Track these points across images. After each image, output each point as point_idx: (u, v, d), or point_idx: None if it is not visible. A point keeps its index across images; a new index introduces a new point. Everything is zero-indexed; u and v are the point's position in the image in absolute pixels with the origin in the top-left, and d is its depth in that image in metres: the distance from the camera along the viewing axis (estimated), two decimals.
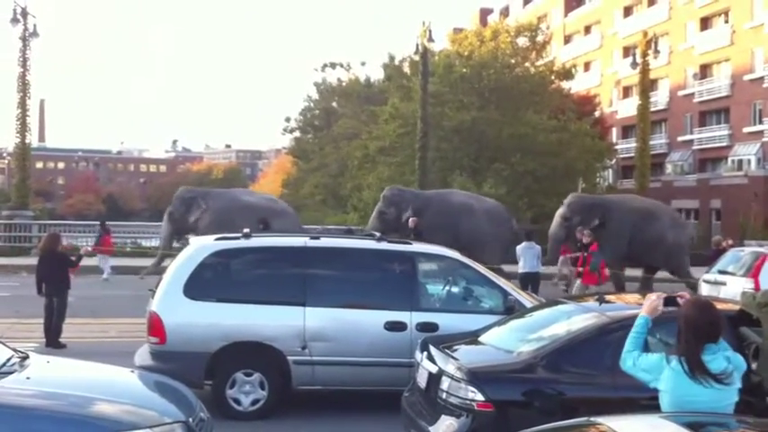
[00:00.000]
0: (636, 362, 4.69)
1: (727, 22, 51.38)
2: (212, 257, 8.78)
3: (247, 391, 8.40)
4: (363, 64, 50.18)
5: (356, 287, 9.02)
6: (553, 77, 41.90)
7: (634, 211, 20.80)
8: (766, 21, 46.87)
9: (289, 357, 8.40)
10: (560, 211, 21.19)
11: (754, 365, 6.16)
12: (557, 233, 20.79)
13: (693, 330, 4.51)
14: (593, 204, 20.96)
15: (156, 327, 8.38)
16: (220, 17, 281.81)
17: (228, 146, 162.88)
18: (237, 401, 8.38)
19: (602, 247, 17.55)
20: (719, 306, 6.61)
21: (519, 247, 17.27)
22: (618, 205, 21.12)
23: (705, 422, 4.01)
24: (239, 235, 9.07)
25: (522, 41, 41.56)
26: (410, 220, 20.33)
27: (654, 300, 4.98)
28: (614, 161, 49.30)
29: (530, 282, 16.38)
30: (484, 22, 66.76)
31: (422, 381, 6.58)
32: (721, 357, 4.47)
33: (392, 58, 43.01)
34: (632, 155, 41.68)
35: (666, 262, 20.49)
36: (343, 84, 49.67)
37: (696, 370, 4.39)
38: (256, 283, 8.88)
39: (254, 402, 8.41)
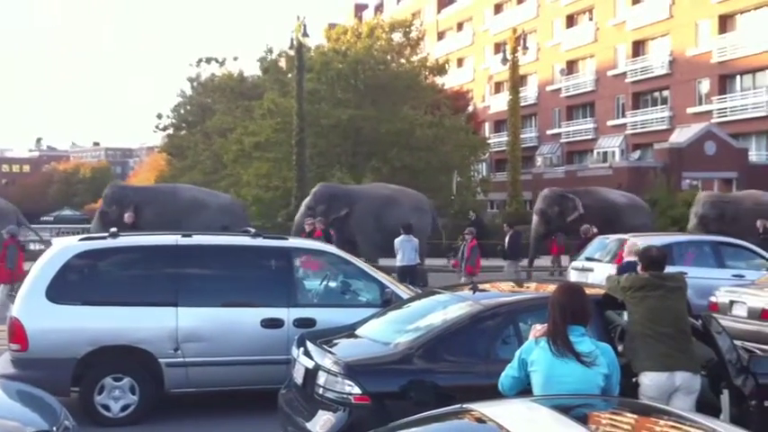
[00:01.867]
0: (511, 365, 4.77)
1: (591, 19, 53.57)
2: (77, 259, 8.39)
3: (117, 396, 8.08)
4: (236, 59, 49.53)
5: (231, 285, 8.81)
6: (427, 73, 42.49)
7: (377, 199, 21.17)
8: (628, 18, 49.13)
9: (160, 360, 8.13)
10: (306, 201, 21.35)
11: (620, 347, 6.39)
12: (299, 222, 20.51)
13: (561, 310, 4.65)
14: (339, 194, 21.26)
15: (17, 333, 7.94)
16: (87, 9, 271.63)
17: (97, 144, 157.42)
18: (107, 408, 8.05)
19: (355, 237, 17.94)
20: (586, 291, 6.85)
21: (397, 240, 17.35)
22: (363, 194, 21.48)
23: (573, 403, 4.10)
24: (105, 235, 8.71)
25: (397, 38, 41.94)
26: (126, 215, 19.44)
27: (539, 330, 4.86)
28: (488, 155, 50.54)
29: (408, 274, 16.50)
30: (359, 17, 67.06)
31: (298, 377, 6.51)
32: (588, 341, 4.61)
33: (269, 52, 42.50)
34: (504, 148, 42.83)
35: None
36: (217, 79, 48.77)
37: (563, 347, 4.51)
38: (125, 284, 8.55)
39: (125, 408, 8.09)
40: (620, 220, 21.67)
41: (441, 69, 44.55)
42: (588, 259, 15.33)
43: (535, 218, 22.51)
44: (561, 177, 44.56)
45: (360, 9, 76.88)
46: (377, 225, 19.56)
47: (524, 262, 21.80)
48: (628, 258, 10.70)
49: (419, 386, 5.91)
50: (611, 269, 12.92)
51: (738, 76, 43.11)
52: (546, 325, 4.85)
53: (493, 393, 4.88)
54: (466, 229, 18.92)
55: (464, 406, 4.00)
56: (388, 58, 40.16)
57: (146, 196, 21.06)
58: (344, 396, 5.79)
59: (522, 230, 22.02)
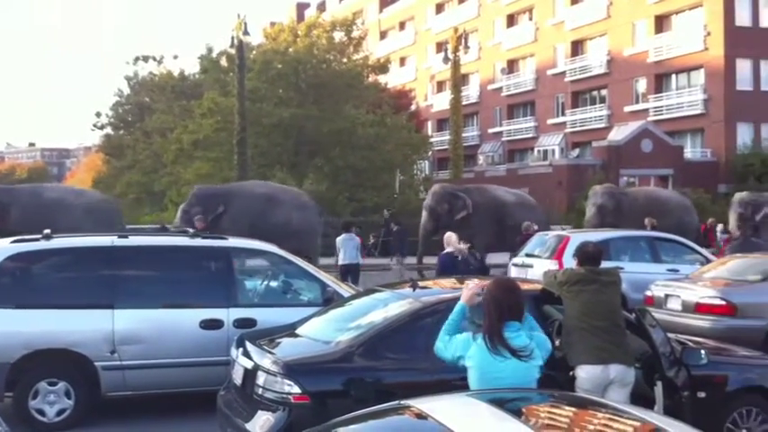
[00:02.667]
0: (446, 345, 4.82)
1: (531, 19, 54.27)
2: (9, 261, 8.19)
3: (52, 401, 7.90)
4: (176, 57, 48.97)
5: (169, 286, 8.69)
6: (369, 72, 42.51)
7: (256, 198, 21.01)
8: (567, 18, 49.90)
9: (97, 363, 7.98)
10: (183, 205, 21.03)
11: (557, 342, 6.48)
12: (179, 225, 19.98)
13: (496, 308, 4.70)
14: (215, 193, 21.10)
15: None
16: (21, 5, 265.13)
17: (32, 144, 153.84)
18: (41, 412, 7.87)
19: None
20: (525, 287, 6.96)
21: (339, 239, 17.37)
22: (239, 193, 21.32)
23: (509, 397, 4.15)
24: (39, 236, 8.51)
25: (339, 36, 41.86)
26: None
27: (472, 288, 5.14)
28: (430, 153, 50.81)
29: (350, 273, 16.52)
30: (301, 16, 66.84)
31: (237, 378, 6.45)
32: (524, 335, 4.67)
33: (210, 50, 42.02)
34: (447, 147, 43.09)
35: (297, 246, 20.57)
36: (156, 77, 48.05)
37: (498, 344, 4.56)
38: (60, 286, 8.36)
39: (60, 413, 7.92)
40: (509, 217, 21.75)
41: (383, 68, 44.63)
42: (528, 255, 15.51)
43: (424, 214, 22.31)
44: (503, 175, 45.05)
45: (302, 8, 76.55)
46: (255, 223, 18.97)
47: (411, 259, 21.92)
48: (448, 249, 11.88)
49: (360, 384, 5.92)
50: (551, 265, 13.14)
51: (674, 75, 44.15)
52: (474, 286, 5.09)
53: (434, 389, 4.92)
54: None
55: (402, 402, 4.02)
56: (330, 56, 40.03)
57: (10, 197, 19.97)
58: (284, 396, 5.77)
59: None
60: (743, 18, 40.84)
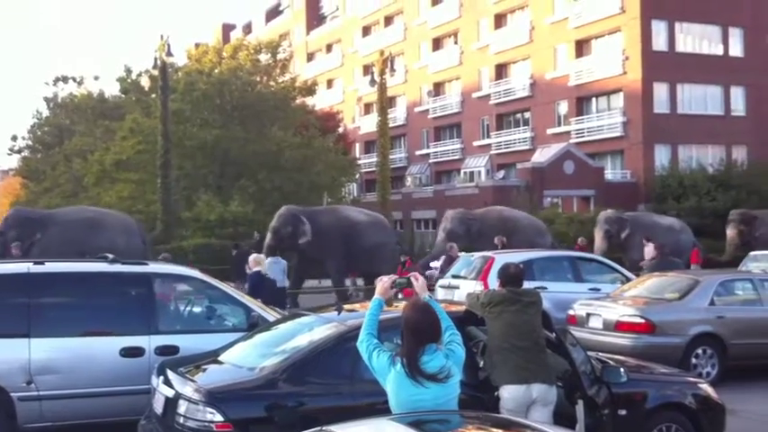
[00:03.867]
0: (371, 355, 4.78)
1: (456, 43, 55.08)
2: None
3: None
4: (97, 78, 47.77)
5: (88, 313, 8.44)
6: (296, 94, 42.45)
7: (77, 222, 20.94)
8: (491, 42, 50.81)
9: (12, 394, 7.69)
10: None
11: (481, 363, 6.54)
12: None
13: (413, 331, 4.67)
14: (31, 219, 20.98)
15: None
16: None
17: None
18: None
19: None
20: (449, 308, 7.00)
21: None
22: (59, 218, 21.22)
23: (430, 420, 4.15)
24: None
25: (265, 58, 41.72)
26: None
27: (385, 282, 5.15)
28: (358, 175, 50.92)
29: (276, 297, 16.33)
30: (227, 37, 66.49)
31: (158, 407, 6.31)
32: (441, 355, 4.65)
33: (129, 72, 41.29)
34: (374, 169, 43.26)
35: None
36: (77, 98, 47.00)
37: (414, 372, 4.53)
38: None
39: None
40: (361, 237, 22.01)
41: (310, 90, 44.63)
42: (454, 277, 15.63)
43: (269, 235, 22.16)
44: (430, 197, 45.41)
45: (228, 29, 76.17)
46: (77, 249, 18.46)
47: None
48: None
49: (284, 410, 5.85)
50: (476, 286, 13.27)
51: (594, 99, 45.31)
52: (387, 279, 5.16)
53: (359, 413, 4.89)
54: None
55: (324, 428, 3.99)
56: (255, 78, 39.83)
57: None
58: (206, 424, 5.67)
59: None
60: (659, 43, 42.23)
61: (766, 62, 43.45)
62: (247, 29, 73.43)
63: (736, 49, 43.62)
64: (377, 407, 5.11)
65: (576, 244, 24.79)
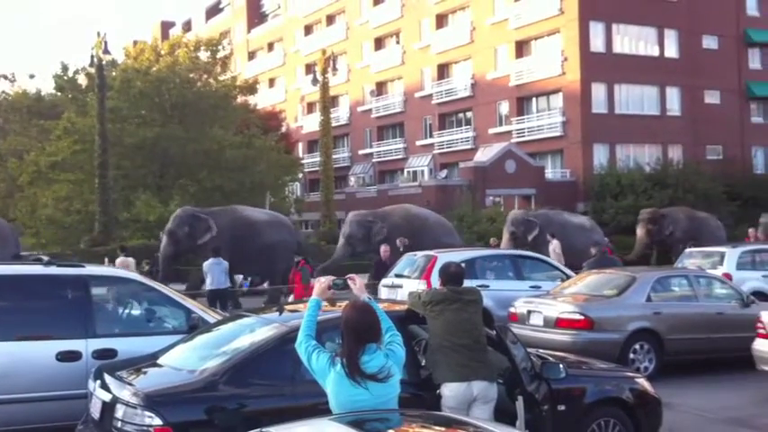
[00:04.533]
0: (310, 357, 4.76)
1: (398, 43, 55.26)
2: None
3: None
4: (32, 77, 46.76)
5: (23, 317, 8.21)
6: (237, 93, 42.05)
7: None
8: (433, 42, 51.11)
9: None
10: None
11: (423, 361, 6.57)
12: None
13: (354, 332, 4.66)
14: None
15: None
16: None
17: None
18: None
19: None
20: (392, 307, 7.01)
21: (206, 264, 17.01)
22: None
23: (370, 419, 4.15)
24: None
25: (205, 56, 41.22)
26: None
27: (323, 282, 5.13)
28: (301, 175, 50.72)
29: (218, 298, 16.20)
30: (166, 35, 65.57)
31: (95, 411, 6.19)
32: (381, 355, 4.65)
33: (65, 69, 40.40)
34: (318, 168, 43.16)
35: None
36: (10, 97, 45.81)
37: (355, 373, 4.52)
38: None
39: None
40: (260, 237, 21.56)
41: (251, 89, 44.27)
42: (397, 276, 15.67)
43: (165, 239, 21.54)
44: (374, 196, 45.46)
45: (167, 27, 75.15)
46: None
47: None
48: None
49: (224, 413, 5.79)
50: (419, 285, 13.32)
51: (534, 99, 45.92)
52: (325, 280, 5.18)
53: (301, 414, 4.87)
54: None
55: (263, 430, 3.96)
56: (195, 76, 39.31)
57: None
58: (144, 428, 5.58)
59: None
60: (597, 45, 43.00)
61: (701, 63, 44.62)
62: (187, 26, 72.54)
63: (671, 51, 44.68)
64: (319, 407, 5.08)
65: (489, 243, 25.20)
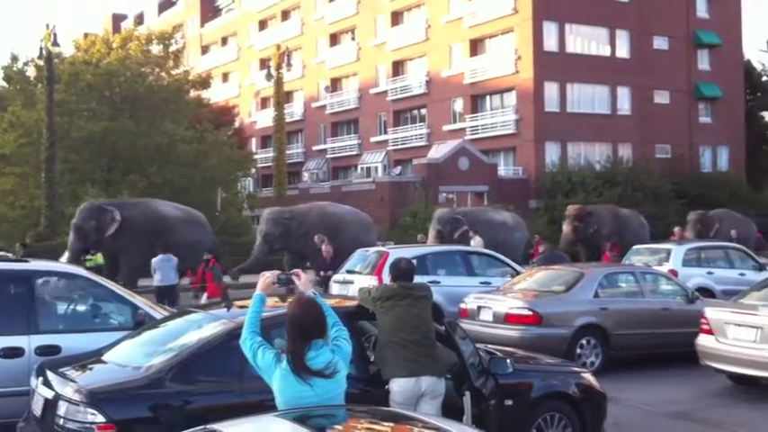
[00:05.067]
0: (255, 354, 4.72)
1: (353, 39, 55.18)
2: None
3: None
4: None
5: None
6: (189, 87, 41.58)
7: None
8: (388, 39, 51.14)
9: None
10: None
11: (372, 357, 6.57)
12: None
13: (299, 328, 4.64)
14: None
15: None
16: None
17: None
18: None
19: None
20: (343, 303, 7.01)
21: (155, 260, 16.83)
22: None
23: (316, 415, 4.14)
24: None
25: (157, 50, 40.68)
26: None
27: (268, 277, 5.09)
28: (254, 170, 50.38)
29: (166, 295, 16.02)
30: (117, 28, 64.56)
31: (37, 408, 6.08)
32: (327, 351, 4.63)
33: (15, 59, 39.53)
34: (271, 164, 42.91)
35: None
36: None
37: (301, 370, 4.50)
38: None
39: None
40: (173, 233, 21.04)
41: (204, 83, 43.83)
42: (349, 272, 15.66)
43: (72, 235, 21.07)
44: (327, 192, 45.34)
45: (119, 20, 73.99)
46: None
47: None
48: None
49: (170, 410, 5.73)
50: (371, 281, 13.33)
51: (488, 97, 46.24)
52: (270, 275, 5.14)
53: (248, 411, 4.83)
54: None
55: (208, 427, 3.93)
56: (146, 70, 38.76)
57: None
58: (87, 426, 5.50)
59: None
60: (550, 44, 43.44)
61: (651, 64, 45.36)
62: (139, 20, 71.46)
63: (622, 51, 45.33)
64: (266, 404, 5.04)
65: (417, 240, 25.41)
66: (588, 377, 7.65)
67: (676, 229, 26.04)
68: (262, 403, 5.23)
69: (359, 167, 52.09)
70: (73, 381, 5.91)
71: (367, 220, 25.51)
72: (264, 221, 22.91)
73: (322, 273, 14.68)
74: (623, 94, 45.52)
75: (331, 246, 15.30)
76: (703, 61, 49.23)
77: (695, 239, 25.35)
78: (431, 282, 13.51)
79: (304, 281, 5.32)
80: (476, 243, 21.36)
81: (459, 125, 46.57)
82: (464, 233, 23.47)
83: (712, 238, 23.91)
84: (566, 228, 27.34)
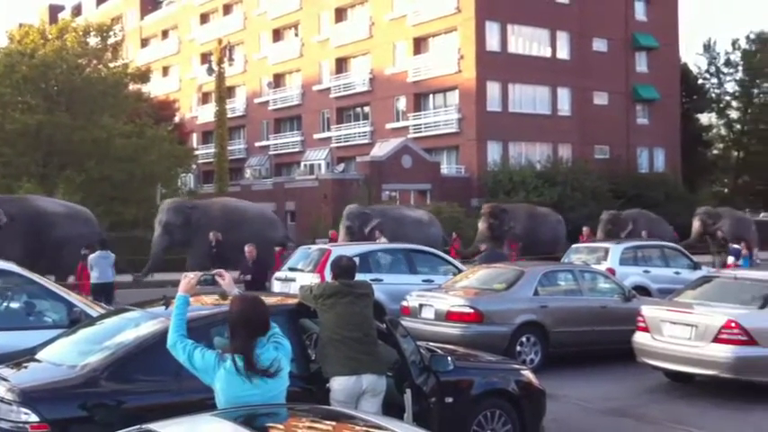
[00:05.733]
0: (191, 356, 4.64)
1: (297, 35, 54.92)
2: None
3: None
4: None
5: None
6: (128, 80, 40.79)
7: None
8: (332, 36, 51.01)
9: None
10: None
11: (313, 355, 6.54)
12: None
13: (247, 325, 4.56)
14: None
15: None
16: None
17: None
18: None
19: None
20: (285, 301, 6.95)
21: (92, 257, 16.46)
22: None
23: (256, 414, 4.09)
24: None
25: (94, 42, 39.81)
26: None
27: (192, 278, 5.01)
28: (195, 166, 49.76)
29: (103, 292, 15.69)
30: (54, 19, 62.97)
31: None
32: (271, 347, 4.58)
33: None
34: (212, 160, 42.45)
35: None
36: None
37: (251, 368, 4.44)
38: None
39: None
40: (53, 229, 20.46)
41: (143, 77, 43.06)
42: (291, 269, 15.57)
43: None
44: (270, 189, 45.07)
45: (56, 10, 72.25)
46: None
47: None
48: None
49: (105, 409, 5.63)
50: (313, 278, 13.26)
51: (431, 95, 46.49)
52: (193, 276, 5.03)
53: (185, 410, 4.74)
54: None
55: (143, 427, 3.85)
56: (83, 62, 37.89)
57: None
58: (20, 425, 5.36)
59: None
60: (492, 44, 43.86)
61: (590, 66, 46.15)
62: (76, 11, 69.87)
63: (563, 53, 46.02)
64: (206, 403, 4.97)
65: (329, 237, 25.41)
66: (528, 374, 7.73)
67: (585, 229, 26.11)
68: (201, 402, 5.14)
69: (302, 164, 51.88)
70: (5, 380, 5.75)
71: (272, 215, 25.34)
72: (165, 212, 22.37)
73: (243, 276, 14.22)
74: (563, 94, 46.22)
75: (254, 247, 14.74)
76: (641, 64, 50.29)
77: (605, 240, 25.82)
78: (374, 279, 13.56)
79: (228, 281, 5.27)
80: (381, 242, 20.80)
81: (402, 123, 46.70)
82: (374, 229, 23.13)
83: (624, 240, 24.09)
84: (481, 225, 27.11)
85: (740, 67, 56.49)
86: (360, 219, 24.10)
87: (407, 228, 24.27)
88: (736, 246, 21.98)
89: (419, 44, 46.60)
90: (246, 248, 14.04)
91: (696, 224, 29.12)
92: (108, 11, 69.06)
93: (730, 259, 21.26)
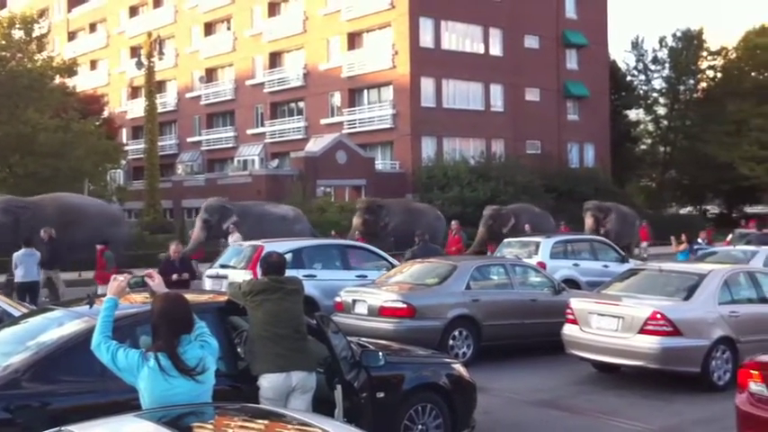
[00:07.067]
0: (114, 356, 4.55)
1: (229, 29, 54.28)
2: None
3: None
4: None
5: None
6: (54, 74, 39.68)
7: None
8: (265, 30, 50.56)
9: None
10: None
11: (242, 353, 6.46)
12: None
13: (170, 323, 4.50)
14: None
15: None
16: None
17: None
18: None
19: None
20: (215, 298, 6.85)
21: (17, 255, 15.98)
22: None
23: (182, 414, 4.02)
24: None
25: (19, 35, 38.63)
26: None
27: (120, 280, 4.92)
28: (125, 162, 48.78)
29: (28, 291, 15.26)
30: None
31: None
32: (196, 346, 4.52)
33: None
34: (143, 155, 41.68)
35: None
36: None
37: (177, 366, 4.38)
38: None
39: None
40: None
41: (69, 70, 41.98)
42: (223, 266, 15.39)
43: None
44: (202, 185, 44.48)
45: None
46: None
47: None
48: None
49: (28, 411, 5.46)
50: (246, 275, 13.12)
51: (366, 91, 46.47)
52: (123, 278, 4.97)
53: (111, 411, 4.65)
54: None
55: (63, 428, 3.75)
56: (7, 55, 36.74)
57: None
58: None
59: None
60: (426, 40, 44.07)
61: (522, 62, 46.77)
62: (1, 3, 67.76)
63: (495, 49, 46.51)
64: (132, 403, 4.87)
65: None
66: (458, 368, 7.78)
67: (453, 223, 25.06)
68: (127, 403, 5.05)
69: (235, 160, 51.34)
70: None
71: (114, 212, 24.67)
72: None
73: (175, 276, 13.76)
74: (496, 91, 46.72)
75: (180, 246, 14.20)
76: (572, 61, 51.18)
77: (485, 235, 25.98)
78: (307, 275, 13.54)
79: (158, 282, 5.19)
80: (234, 239, 20.30)
81: (336, 119, 46.60)
82: (234, 224, 22.47)
83: (506, 235, 24.06)
84: (356, 221, 26.92)
85: (667, 65, 57.90)
86: (219, 213, 23.29)
87: (271, 224, 23.56)
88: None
89: (353, 39, 46.55)
90: (172, 247, 13.48)
91: (589, 220, 29.37)
92: (34, 3, 66.93)
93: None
